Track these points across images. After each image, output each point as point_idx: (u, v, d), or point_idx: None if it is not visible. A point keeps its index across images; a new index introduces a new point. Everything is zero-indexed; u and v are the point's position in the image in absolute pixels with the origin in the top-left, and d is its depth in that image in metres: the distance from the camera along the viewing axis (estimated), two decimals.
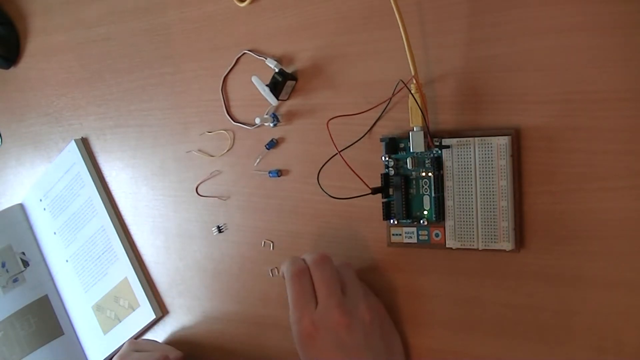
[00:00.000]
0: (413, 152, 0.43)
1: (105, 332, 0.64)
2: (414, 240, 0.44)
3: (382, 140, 0.45)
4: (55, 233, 0.68)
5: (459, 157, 0.42)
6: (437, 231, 0.43)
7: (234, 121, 0.54)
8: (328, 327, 0.40)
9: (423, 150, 0.42)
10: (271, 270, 0.53)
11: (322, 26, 0.48)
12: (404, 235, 0.45)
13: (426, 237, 0.44)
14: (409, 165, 0.44)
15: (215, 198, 0.56)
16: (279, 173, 0.52)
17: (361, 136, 0.47)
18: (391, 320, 0.45)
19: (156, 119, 0.59)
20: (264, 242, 0.53)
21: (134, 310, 0.61)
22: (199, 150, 0.56)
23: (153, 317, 0.60)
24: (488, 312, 0.42)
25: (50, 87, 0.68)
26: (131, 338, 0.60)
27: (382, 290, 0.47)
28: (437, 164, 0.42)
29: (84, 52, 0.64)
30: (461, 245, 0.42)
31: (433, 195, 0.43)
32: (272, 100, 0.49)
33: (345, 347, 0.39)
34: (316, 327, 0.40)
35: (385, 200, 0.45)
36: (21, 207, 0.72)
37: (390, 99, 0.45)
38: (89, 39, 0.64)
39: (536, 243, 0.40)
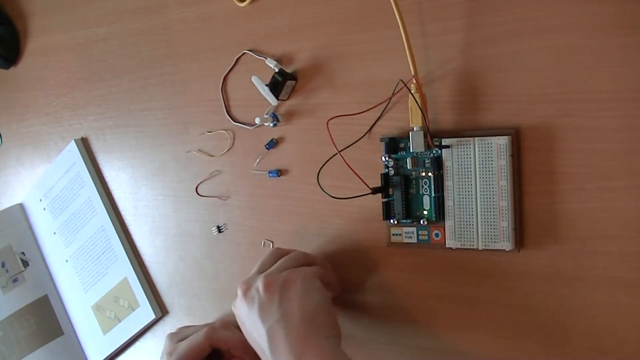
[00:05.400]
0: (413, 152, 0.43)
1: (105, 332, 0.64)
2: (414, 240, 0.44)
3: (382, 140, 0.45)
4: (55, 233, 0.68)
5: (458, 157, 0.42)
6: (437, 231, 0.43)
7: (234, 121, 0.54)
8: (236, 307, 0.44)
9: (423, 150, 0.42)
10: None
11: (322, 26, 0.48)
12: (404, 235, 0.45)
13: (426, 237, 0.44)
14: (408, 165, 0.44)
15: (215, 198, 0.56)
16: (278, 173, 0.52)
17: (361, 136, 0.47)
18: (310, 284, 0.43)
19: (156, 119, 0.59)
20: (264, 242, 0.53)
21: (133, 310, 0.61)
22: (199, 150, 0.56)
23: (153, 317, 0.60)
24: (488, 312, 0.42)
25: (50, 87, 0.68)
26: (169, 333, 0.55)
27: (381, 290, 0.47)
28: (437, 164, 0.42)
29: (84, 52, 0.64)
30: (461, 245, 0.42)
31: (433, 195, 0.43)
32: (272, 100, 0.49)
33: (244, 322, 0.43)
34: (247, 284, 0.44)
35: (385, 200, 0.45)
36: (21, 207, 0.72)
37: (390, 98, 0.45)
38: (89, 39, 0.64)
39: (536, 243, 0.40)
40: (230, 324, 0.53)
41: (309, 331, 0.40)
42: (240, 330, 0.46)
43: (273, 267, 0.45)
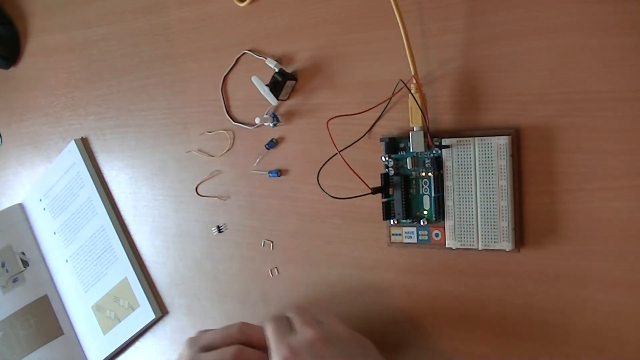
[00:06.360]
0: (413, 152, 0.43)
1: (105, 332, 0.64)
2: (414, 240, 0.44)
3: (382, 140, 0.45)
4: (55, 233, 0.68)
5: (458, 157, 0.42)
6: (437, 231, 0.43)
7: (234, 121, 0.54)
8: (306, 347, 0.39)
9: (423, 150, 0.42)
10: (271, 270, 0.53)
11: (322, 26, 0.48)
12: (404, 235, 0.45)
13: (426, 237, 0.44)
14: (408, 165, 0.44)
15: (215, 198, 0.56)
16: (278, 173, 0.52)
17: (361, 136, 0.47)
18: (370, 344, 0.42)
19: (156, 119, 0.59)
20: (264, 242, 0.53)
21: (133, 310, 0.61)
22: (199, 150, 0.56)
23: (153, 317, 0.60)
24: (488, 312, 0.42)
25: (50, 87, 0.68)
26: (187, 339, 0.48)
27: (381, 290, 0.47)
28: (437, 164, 0.42)
29: (84, 52, 0.64)
30: (461, 245, 0.42)
31: (433, 195, 0.43)
32: (272, 100, 0.49)
33: (325, 358, 0.38)
34: (294, 351, 0.39)
35: (385, 200, 0.45)
36: (21, 207, 0.72)
37: (390, 98, 0.45)
38: (89, 39, 0.64)
39: (536, 243, 0.40)
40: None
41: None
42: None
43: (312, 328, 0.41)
